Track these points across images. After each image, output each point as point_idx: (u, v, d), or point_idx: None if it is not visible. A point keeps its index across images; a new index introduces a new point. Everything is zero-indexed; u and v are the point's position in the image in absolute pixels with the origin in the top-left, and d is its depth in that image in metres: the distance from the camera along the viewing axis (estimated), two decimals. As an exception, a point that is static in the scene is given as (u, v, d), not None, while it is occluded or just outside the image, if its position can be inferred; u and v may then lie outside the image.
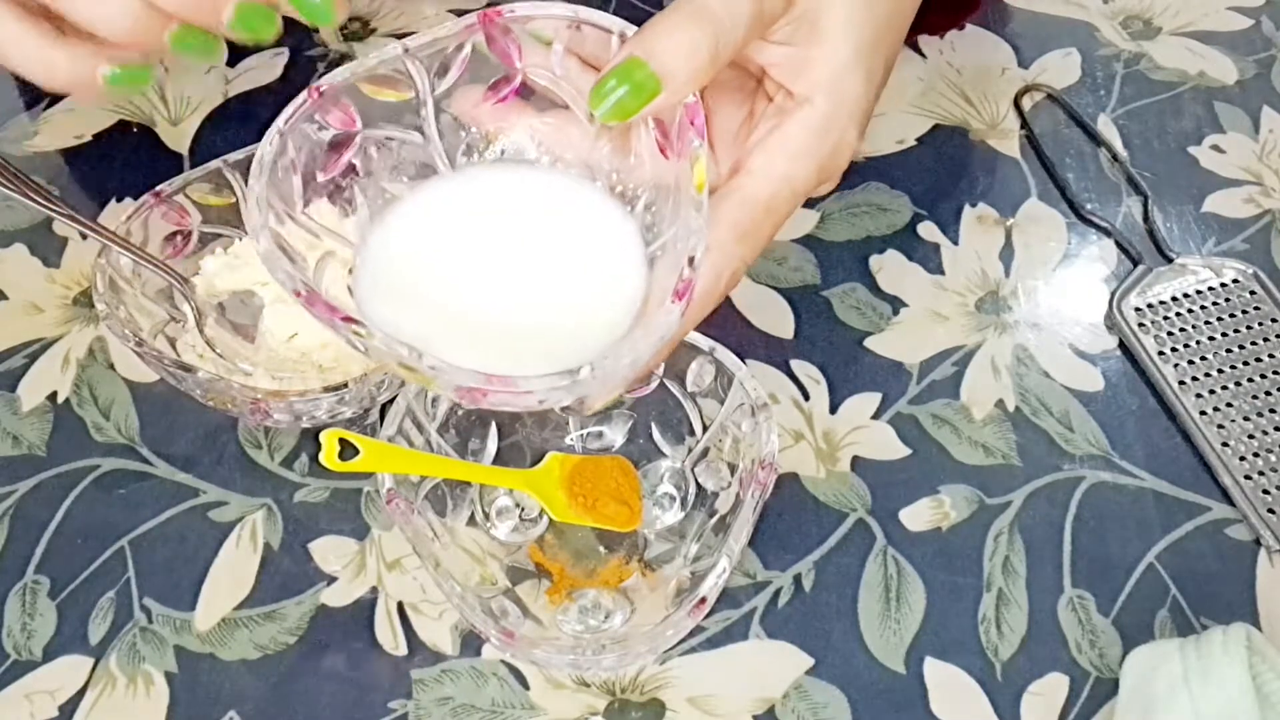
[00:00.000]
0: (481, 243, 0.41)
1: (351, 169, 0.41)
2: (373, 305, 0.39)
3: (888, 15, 0.43)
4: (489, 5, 0.41)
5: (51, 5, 0.41)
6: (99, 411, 0.55)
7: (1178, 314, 0.57)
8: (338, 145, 0.41)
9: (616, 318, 0.39)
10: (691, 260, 0.36)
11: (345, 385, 0.49)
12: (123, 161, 0.64)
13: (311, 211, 0.40)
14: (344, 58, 0.68)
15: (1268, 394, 0.54)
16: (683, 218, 0.38)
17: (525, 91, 0.43)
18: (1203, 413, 0.53)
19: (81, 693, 0.47)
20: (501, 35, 0.41)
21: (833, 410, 0.55)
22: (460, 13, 0.61)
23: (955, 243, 0.61)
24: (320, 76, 0.42)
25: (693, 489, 0.51)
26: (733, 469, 0.49)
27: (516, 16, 0.40)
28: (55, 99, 0.67)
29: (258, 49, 0.67)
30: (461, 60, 0.41)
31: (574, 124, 0.42)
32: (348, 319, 0.35)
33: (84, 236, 0.57)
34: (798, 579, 0.50)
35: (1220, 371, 0.55)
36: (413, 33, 0.61)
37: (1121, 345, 0.56)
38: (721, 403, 0.49)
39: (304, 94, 0.39)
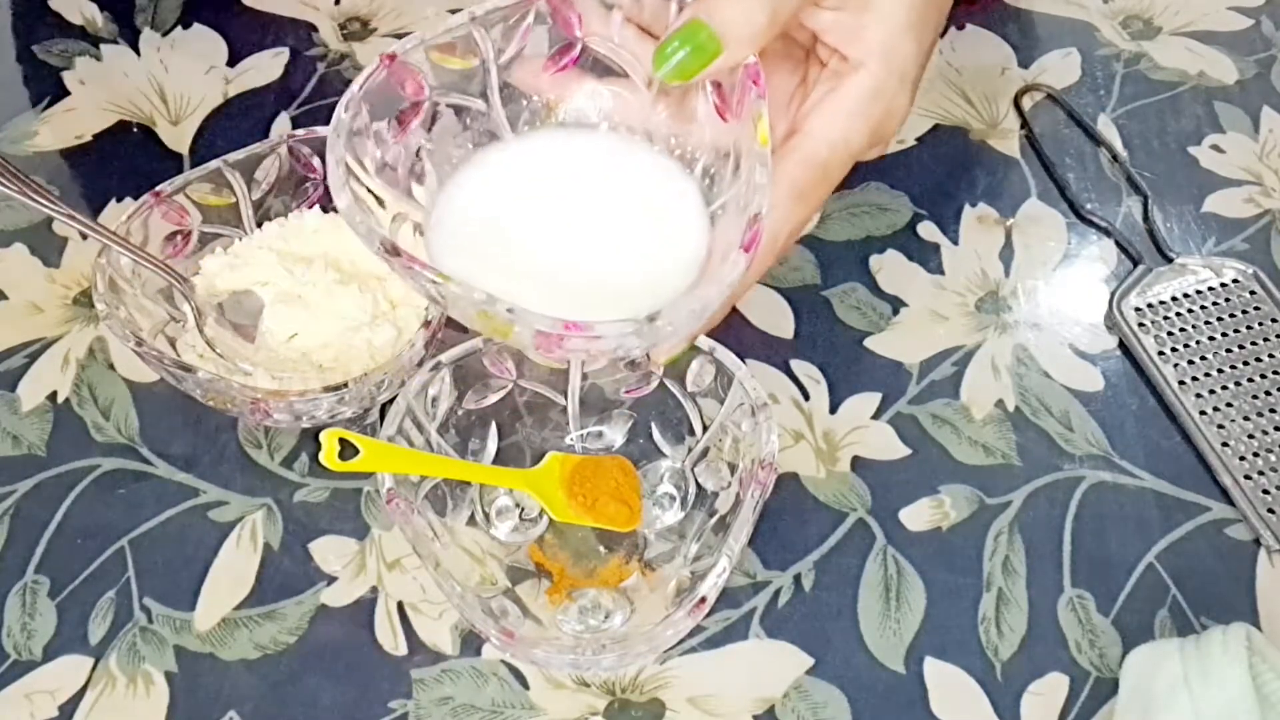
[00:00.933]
0: (549, 200, 0.42)
1: (420, 134, 0.42)
2: (445, 263, 0.39)
3: None
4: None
5: None
6: (99, 411, 0.55)
7: (1178, 314, 0.57)
8: (407, 112, 0.42)
9: (682, 271, 0.40)
10: (757, 215, 0.37)
11: (345, 385, 0.49)
12: (123, 161, 0.64)
13: (383, 176, 0.41)
14: (344, 58, 0.67)
15: (1268, 394, 0.54)
16: (744, 175, 0.39)
17: (585, 60, 0.44)
18: (1203, 413, 0.53)
19: (81, 693, 0.47)
20: (562, 4, 0.42)
21: (833, 410, 0.55)
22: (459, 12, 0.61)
23: (955, 243, 0.61)
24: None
25: (693, 489, 0.51)
26: (733, 469, 0.49)
27: None
28: (56, 98, 0.67)
29: (258, 49, 0.67)
30: (524, 29, 0.42)
31: (633, 90, 0.43)
32: (427, 267, 0.36)
33: (84, 236, 0.57)
34: (798, 579, 0.50)
35: (1220, 371, 0.55)
36: (413, 32, 0.62)
37: (1121, 345, 0.56)
38: (721, 403, 0.49)
39: (376, 61, 0.40)
